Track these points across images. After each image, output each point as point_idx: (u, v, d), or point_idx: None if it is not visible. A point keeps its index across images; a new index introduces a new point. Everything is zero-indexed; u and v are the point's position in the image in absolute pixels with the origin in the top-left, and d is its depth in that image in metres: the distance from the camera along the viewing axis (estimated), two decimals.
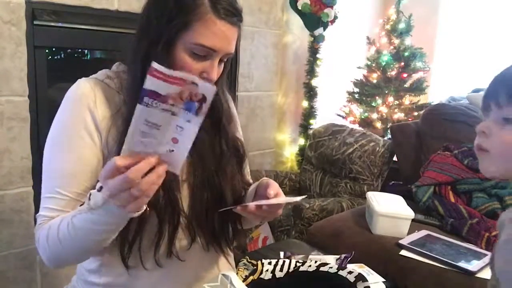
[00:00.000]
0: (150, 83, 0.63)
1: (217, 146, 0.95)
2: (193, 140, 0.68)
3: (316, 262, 1.06)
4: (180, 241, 0.91)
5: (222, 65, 0.90)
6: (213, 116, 0.93)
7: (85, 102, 0.87)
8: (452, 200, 1.81)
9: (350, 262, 1.17)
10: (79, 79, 0.91)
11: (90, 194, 0.75)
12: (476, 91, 2.40)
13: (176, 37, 0.83)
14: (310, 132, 2.71)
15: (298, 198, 0.87)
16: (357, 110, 2.94)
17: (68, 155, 0.86)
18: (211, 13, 0.82)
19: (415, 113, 2.77)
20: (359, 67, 2.96)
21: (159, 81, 0.64)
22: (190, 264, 0.93)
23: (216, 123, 0.95)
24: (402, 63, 2.78)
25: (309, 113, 2.78)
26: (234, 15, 0.85)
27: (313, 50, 2.70)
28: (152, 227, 0.87)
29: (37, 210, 1.71)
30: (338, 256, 1.21)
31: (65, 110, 0.88)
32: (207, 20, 0.82)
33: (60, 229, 0.81)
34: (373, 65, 2.86)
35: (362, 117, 2.90)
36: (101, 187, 0.71)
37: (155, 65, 0.64)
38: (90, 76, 0.92)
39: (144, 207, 0.73)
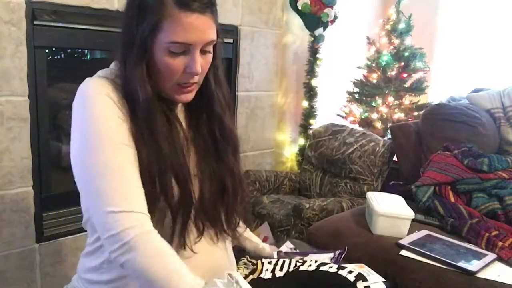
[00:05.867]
0: None
1: (213, 135, 0.97)
2: None
3: (316, 261, 1.06)
4: (189, 234, 0.92)
5: (209, 54, 0.89)
6: (207, 106, 0.96)
7: (104, 92, 0.85)
8: (452, 200, 1.81)
9: (349, 262, 1.17)
10: (89, 78, 0.89)
11: None
12: (476, 91, 2.39)
13: (149, 40, 0.83)
14: (310, 132, 2.71)
15: None
16: (357, 110, 2.94)
17: (123, 146, 0.82)
18: (175, 7, 0.81)
19: (415, 113, 2.77)
20: (359, 67, 2.95)
21: None
22: (198, 257, 0.94)
23: (210, 113, 0.96)
24: (402, 63, 2.77)
25: (309, 113, 2.78)
26: (201, 3, 0.82)
27: (313, 50, 2.70)
28: (167, 223, 0.88)
29: (37, 210, 1.73)
30: (332, 255, 1.21)
31: (92, 105, 0.83)
32: (174, 16, 0.81)
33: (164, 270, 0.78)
34: (373, 65, 2.86)
35: (362, 117, 2.90)
36: None
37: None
38: (97, 75, 0.91)
39: None
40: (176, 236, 0.89)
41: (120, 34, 0.89)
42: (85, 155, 0.82)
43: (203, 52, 0.87)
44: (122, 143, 0.82)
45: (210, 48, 0.89)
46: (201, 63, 0.87)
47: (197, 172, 0.95)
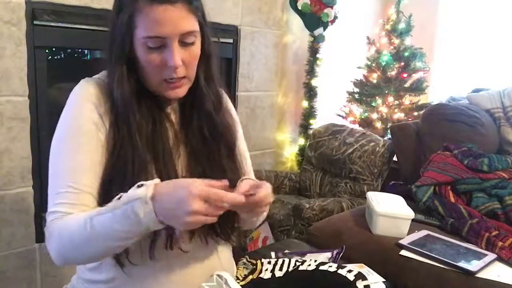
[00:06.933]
0: None
1: (202, 132, 0.95)
2: None
3: (315, 261, 1.06)
4: (176, 235, 0.91)
5: (193, 46, 0.87)
6: (198, 103, 0.94)
7: (90, 98, 0.88)
8: (452, 200, 1.81)
9: (349, 262, 1.17)
10: (82, 79, 0.92)
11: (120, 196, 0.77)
12: (476, 91, 2.39)
13: (127, 37, 0.84)
14: (310, 132, 2.71)
15: None
16: (357, 110, 2.94)
17: (79, 150, 0.86)
18: (145, 1, 0.81)
19: (415, 113, 2.77)
20: (359, 67, 2.95)
21: None
22: (190, 257, 0.93)
23: (200, 110, 0.95)
24: (402, 63, 2.77)
25: (309, 113, 2.78)
26: None
27: (313, 50, 2.70)
28: None
29: (37, 210, 1.72)
30: (330, 254, 1.21)
31: (72, 107, 0.89)
32: (144, 10, 0.81)
33: (76, 227, 0.80)
34: (373, 65, 2.86)
35: (362, 117, 2.90)
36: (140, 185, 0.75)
37: None
38: (93, 77, 0.94)
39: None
40: (160, 236, 0.88)
41: (107, 33, 0.89)
42: (52, 149, 0.89)
43: (184, 44, 0.85)
44: (84, 143, 0.86)
45: (192, 39, 0.86)
46: (184, 56, 0.85)
47: (185, 173, 0.93)
